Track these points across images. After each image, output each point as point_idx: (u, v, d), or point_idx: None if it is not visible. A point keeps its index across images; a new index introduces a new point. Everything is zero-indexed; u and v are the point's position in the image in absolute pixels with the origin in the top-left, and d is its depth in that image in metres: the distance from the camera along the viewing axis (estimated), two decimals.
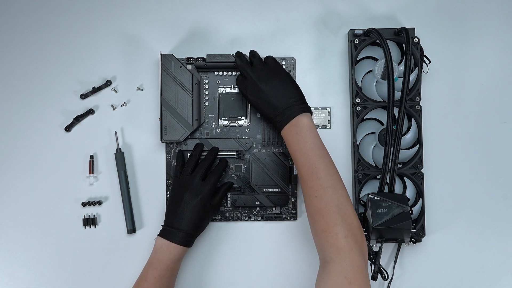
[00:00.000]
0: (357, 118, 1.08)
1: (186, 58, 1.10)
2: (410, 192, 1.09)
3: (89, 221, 1.09)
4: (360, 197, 1.08)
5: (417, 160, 1.08)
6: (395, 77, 1.03)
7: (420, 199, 1.08)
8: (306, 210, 0.97)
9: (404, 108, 1.03)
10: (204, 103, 1.11)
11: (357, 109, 1.08)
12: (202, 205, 1.03)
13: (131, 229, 1.09)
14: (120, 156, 1.10)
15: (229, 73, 1.11)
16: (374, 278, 1.01)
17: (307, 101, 1.02)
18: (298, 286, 1.09)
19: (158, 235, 1.03)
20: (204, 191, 1.04)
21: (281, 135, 1.01)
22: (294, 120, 0.99)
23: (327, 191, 0.94)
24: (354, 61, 1.09)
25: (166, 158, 1.11)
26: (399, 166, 1.08)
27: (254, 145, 1.11)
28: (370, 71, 1.10)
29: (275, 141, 1.11)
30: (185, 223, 1.02)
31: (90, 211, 1.10)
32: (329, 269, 0.90)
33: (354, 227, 0.92)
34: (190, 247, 1.04)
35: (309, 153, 0.97)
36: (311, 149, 0.97)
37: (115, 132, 1.10)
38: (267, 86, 1.02)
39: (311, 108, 1.11)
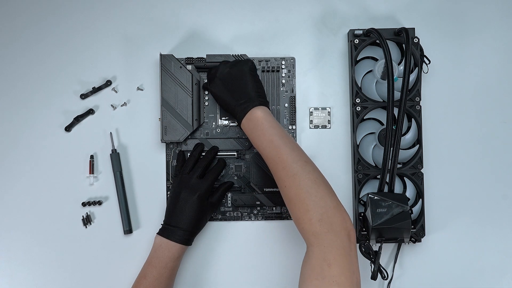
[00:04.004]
0: (357, 118, 1.08)
1: (185, 58, 1.10)
2: (410, 192, 1.09)
3: (85, 221, 1.09)
4: (360, 196, 1.08)
5: (417, 160, 1.08)
6: (395, 77, 1.03)
7: (420, 199, 1.08)
8: (283, 199, 0.96)
9: (403, 108, 1.03)
10: (204, 103, 1.11)
11: (357, 109, 1.08)
12: (200, 203, 1.03)
13: (128, 230, 1.09)
14: (115, 157, 1.09)
15: None
16: (374, 277, 1.01)
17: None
18: None
19: (157, 233, 1.03)
20: (202, 188, 1.04)
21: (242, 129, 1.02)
22: (249, 114, 0.99)
23: (295, 178, 0.93)
24: (354, 61, 1.09)
25: (166, 158, 1.11)
26: (399, 166, 1.08)
27: None
28: (370, 71, 1.10)
29: None
30: (183, 221, 1.02)
31: (90, 211, 1.10)
32: (309, 253, 0.90)
33: (329, 208, 0.90)
34: (190, 246, 1.04)
35: (270, 144, 0.96)
36: (271, 140, 0.96)
37: (110, 133, 1.10)
38: (227, 80, 1.03)
39: (311, 108, 1.12)
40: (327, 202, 0.91)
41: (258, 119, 0.99)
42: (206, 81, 1.10)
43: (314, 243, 0.89)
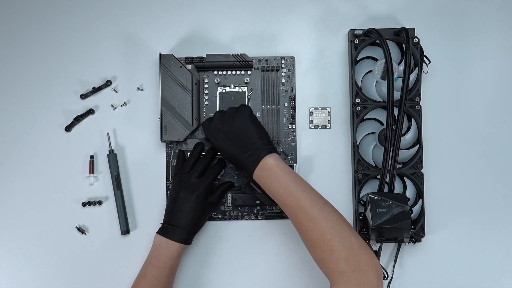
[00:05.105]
0: (357, 118, 1.08)
1: (185, 58, 1.10)
2: (410, 192, 1.09)
3: (81, 230, 1.09)
4: (360, 196, 1.08)
5: (417, 160, 1.08)
6: (395, 77, 1.03)
7: (420, 199, 1.08)
8: (303, 242, 0.96)
9: (403, 108, 1.03)
10: (204, 102, 1.11)
11: (357, 109, 1.08)
12: (199, 202, 1.03)
13: (125, 230, 1.09)
14: (112, 158, 1.09)
15: (229, 72, 1.11)
16: None
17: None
18: (299, 285, 1.09)
19: (156, 232, 1.03)
20: (200, 188, 1.04)
21: (254, 180, 1.01)
22: (261, 163, 0.99)
23: (316, 222, 0.93)
24: (354, 61, 1.09)
25: (166, 157, 1.11)
26: (399, 166, 1.07)
27: None
28: (370, 71, 1.10)
29: (274, 140, 1.11)
30: (182, 220, 1.02)
31: (90, 211, 1.10)
32: None
33: (354, 248, 0.91)
34: (189, 245, 1.04)
35: (286, 191, 0.97)
36: (287, 186, 0.97)
37: (108, 133, 1.10)
38: (232, 133, 1.02)
39: (311, 108, 1.12)
40: (352, 242, 0.92)
41: (271, 168, 0.98)
42: (204, 128, 1.08)
43: (340, 281, 0.89)
